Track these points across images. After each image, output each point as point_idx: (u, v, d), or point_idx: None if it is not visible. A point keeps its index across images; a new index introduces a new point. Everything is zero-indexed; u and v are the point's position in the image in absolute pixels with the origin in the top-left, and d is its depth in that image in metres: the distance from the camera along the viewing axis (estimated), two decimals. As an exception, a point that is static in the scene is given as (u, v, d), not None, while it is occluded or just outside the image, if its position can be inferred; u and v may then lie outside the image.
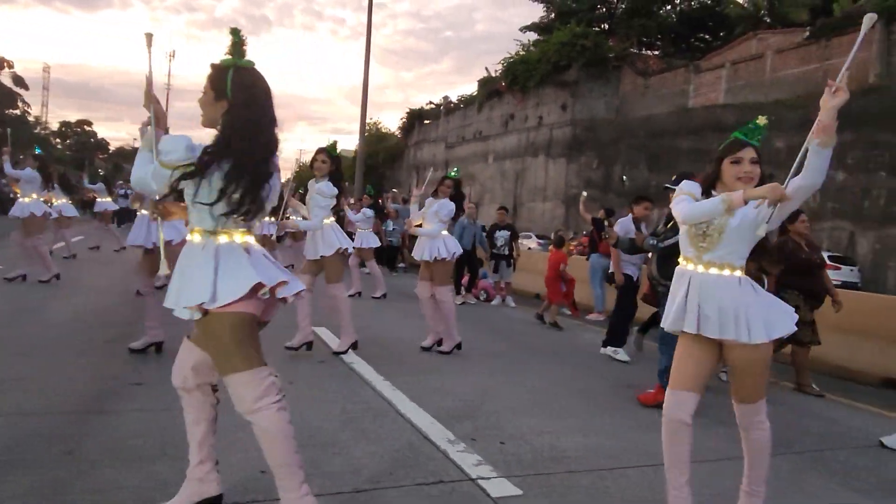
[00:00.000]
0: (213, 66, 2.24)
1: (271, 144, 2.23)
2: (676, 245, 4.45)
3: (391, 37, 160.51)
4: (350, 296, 9.06)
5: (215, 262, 2.14)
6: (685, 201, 2.54)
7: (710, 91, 21.50)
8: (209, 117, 2.24)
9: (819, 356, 5.86)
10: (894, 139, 15.42)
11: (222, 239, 2.17)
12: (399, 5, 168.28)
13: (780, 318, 2.50)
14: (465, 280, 9.96)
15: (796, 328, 2.55)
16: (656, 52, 27.80)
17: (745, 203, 2.36)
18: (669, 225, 4.62)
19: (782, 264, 5.17)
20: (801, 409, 4.87)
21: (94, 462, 2.79)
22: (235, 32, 2.25)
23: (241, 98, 2.16)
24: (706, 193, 2.57)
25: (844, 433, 4.34)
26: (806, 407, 4.97)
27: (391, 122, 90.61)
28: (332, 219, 5.28)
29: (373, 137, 43.56)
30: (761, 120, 2.57)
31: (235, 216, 2.14)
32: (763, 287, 2.72)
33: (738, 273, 2.50)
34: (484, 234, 10.19)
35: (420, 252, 5.75)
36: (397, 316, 7.91)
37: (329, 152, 5.18)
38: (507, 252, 9.83)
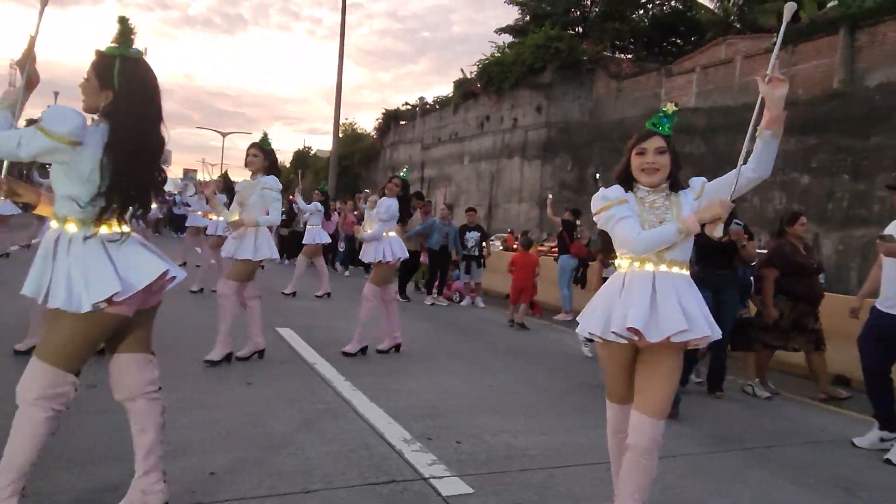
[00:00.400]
0: (98, 52, 2.17)
1: (156, 139, 2.19)
2: None
3: (367, 37, 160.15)
4: (319, 296, 9.03)
5: (107, 254, 2.10)
6: (628, 221, 2.39)
7: (682, 94, 21.80)
8: (90, 104, 2.17)
9: (778, 355, 6.00)
10: (857, 144, 15.81)
11: (103, 230, 2.11)
12: (375, 5, 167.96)
13: (711, 321, 2.45)
14: (436, 282, 9.99)
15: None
16: (629, 56, 28.10)
17: (701, 225, 2.35)
18: None
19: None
20: (754, 407, 4.97)
21: (43, 466, 2.75)
22: (123, 21, 2.26)
23: (127, 89, 2.11)
24: (625, 185, 2.48)
25: (796, 430, 4.44)
26: (758, 404, 5.07)
27: (367, 122, 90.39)
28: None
29: (348, 138, 43.35)
30: (669, 107, 2.50)
31: (111, 209, 2.09)
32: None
33: (686, 272, 2.52)
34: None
35: (365, 255, 5.70)
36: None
37: (262, 146, 4.96)
38: (477, 253, 9.90)
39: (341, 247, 13.21)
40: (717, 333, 2.41)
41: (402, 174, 5.97)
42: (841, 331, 6.28)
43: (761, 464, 3.63)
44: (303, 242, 9.85)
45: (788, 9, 2.32)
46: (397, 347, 5.70)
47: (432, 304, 9.49)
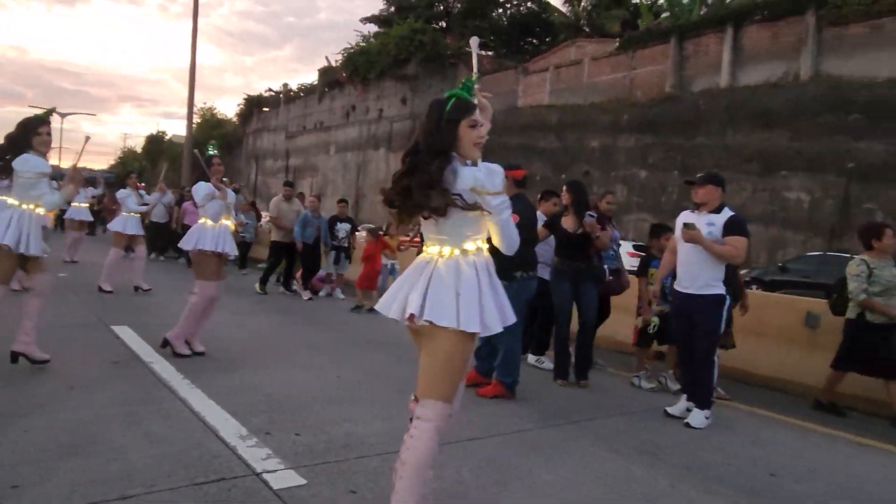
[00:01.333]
0: None
1: None
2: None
3: (227, 17, 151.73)
4: (147, 290, 8.31)
5: None
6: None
7: (537, 92, 22.99)
8: None
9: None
10: (685, 142, 17.58)
11: None
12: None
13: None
14: (298, 274, 9.79)
15: None
16: (490, 53, 29.11)
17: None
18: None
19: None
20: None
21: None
22: None
23: None
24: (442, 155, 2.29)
25: (615, 402, 4.90)
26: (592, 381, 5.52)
27: (230, 108, 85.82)
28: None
29: (207, 123, 41.00)
30: (474, 76, 2.45)
31: None
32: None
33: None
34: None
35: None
36: (217, 313, 7.55)
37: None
38: (346, 244, 9.84)
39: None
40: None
41: (209, 152, 5.64)
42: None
43: (584, 435, 3.99)
44: (109, 228, 9.16)
45: (473, 41, 2.71)
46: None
47: (310, 298, 9.34)
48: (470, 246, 2.34)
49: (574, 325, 5.53)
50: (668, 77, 18.66)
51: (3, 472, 2.70)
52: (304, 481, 2.88)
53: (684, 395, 4.59)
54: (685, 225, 4.32)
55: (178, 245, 5.59)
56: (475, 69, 2.60)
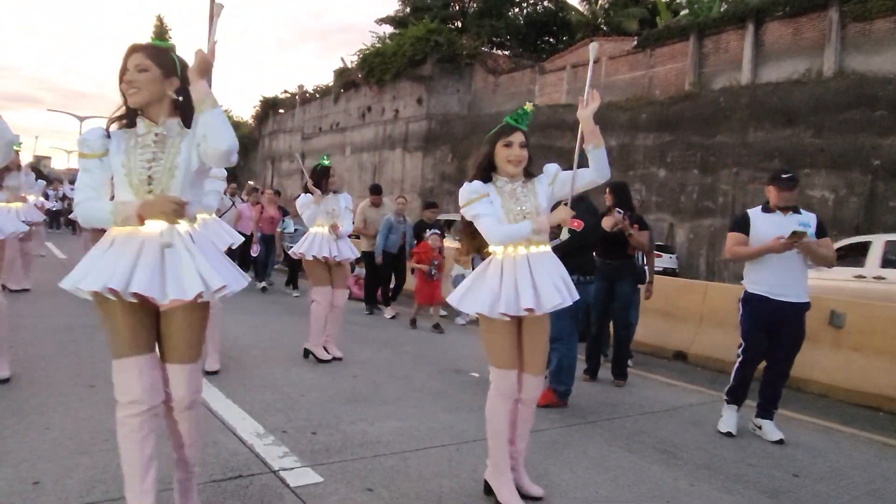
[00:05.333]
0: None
1: None
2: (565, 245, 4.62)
3: (245, 20, 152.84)
4: None
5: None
6: (488, 218, 2.69)
7: (554, 91, 22.86)
8: None
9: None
10: (705, 141, 17.37)
11: None
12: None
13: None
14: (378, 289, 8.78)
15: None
16: (506, 52, 29.01)
17: (549, 226, 2.69)
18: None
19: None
20: (602, 383, 5.37)
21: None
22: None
23: None
24: (485, 173, 2.77)
25: (636, 403, 4.85)
26: (605, 380, 5.47)
27: (245, 110, 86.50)
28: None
29: (224, 126, 41.23)
30: (528, 106, 2.82)
31: None
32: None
33: (548, 247, 2.81)
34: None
35: (315, 249, 5.29)
36: (231, 311, 7.61)
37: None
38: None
39: (255, 250, 9.98)
40: (568, 300, 2.74)
41: (324, 162, 5.47)
42: (675, 312, 6.95)
43: (602, 434, 3.95)
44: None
45: (592, 48, 2.78)
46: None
47: (393, 317, 8.27)
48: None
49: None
50: (687, 75, 18.46)
51: (25, 469, 2.73)
52: (320, 479, 2.88)
53: (734, 408, 4.22)
54: (794, 233, 3.92)
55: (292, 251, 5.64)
56: (590, 73, 2.80)
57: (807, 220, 4.04)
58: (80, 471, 2.75)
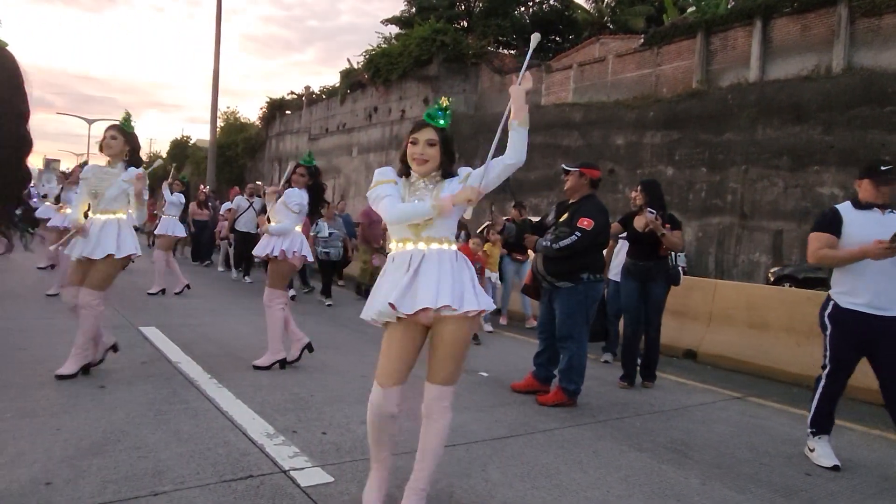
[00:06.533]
0: None
1: (19, 143, 1.91)
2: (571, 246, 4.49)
3: (252, 23, 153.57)
4: (153, 294, 8.42)
5: None
6: (389, 199, 2.49)
7: (560, 90, 22.81)
8: None
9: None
10: (713, 138, 17.28)
11: None
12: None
13: (484, 294, 2.60)
14: None
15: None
16: (512, 52, 28.97)
17: (453, 206, 2.43)
18: (562, 219, 4.54)
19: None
20: (609, 382, 5.35)
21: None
22: None
23: None
24: (405, 168, 2.58)
25: (646, 402, 4.83)
26: (614, 380, 5.45)
27: (252, 112, 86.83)
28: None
29: (231, 127, 41.54)
30: (444, 101, 2.64)
31: None
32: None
33: (454, 247, 2.58)
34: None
35: (261, 248, 5.03)
36: (241, 312, 7.65)
37: (123, 127, 4.33)
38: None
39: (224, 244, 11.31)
40: (484, 305, 2.52)
41: (305, 160, 5.22)
42: (685, 311, 6.91)
43: (612, 433, 3.93)
44: (155, 233, 9.43)
45: (534, 38, 2.68)
46: (309, 347, 5.14)
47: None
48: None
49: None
50: (694, 72, 18.37)
51: (37, 470, 2.75)
52: (331, 479, 2.89)
53: (826, 438, 3.69)
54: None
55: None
56: (526, 61, 2.70)
57: None
58: (92, 472, 2.76)
